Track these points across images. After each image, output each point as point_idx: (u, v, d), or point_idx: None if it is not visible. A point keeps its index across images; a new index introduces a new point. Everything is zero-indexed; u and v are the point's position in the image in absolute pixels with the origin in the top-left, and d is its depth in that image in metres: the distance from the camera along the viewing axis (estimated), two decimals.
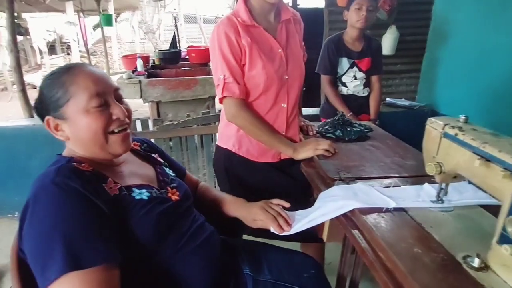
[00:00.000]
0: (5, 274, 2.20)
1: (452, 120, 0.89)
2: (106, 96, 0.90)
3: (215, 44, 1.37)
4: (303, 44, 1.58)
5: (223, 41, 1.34)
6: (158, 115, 3.42)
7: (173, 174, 1.14)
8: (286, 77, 1.45)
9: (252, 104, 1.44)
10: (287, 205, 1.16)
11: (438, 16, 3.09)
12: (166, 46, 8.47)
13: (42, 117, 0.91)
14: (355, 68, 2.28)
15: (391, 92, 3.38)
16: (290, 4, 3.39)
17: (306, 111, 2.80)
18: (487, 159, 0.73)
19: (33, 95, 3.47)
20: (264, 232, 1.13)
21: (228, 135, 1.52)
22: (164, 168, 1.14)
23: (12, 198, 2.76)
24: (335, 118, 1.62)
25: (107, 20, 7.85)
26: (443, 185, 0.96)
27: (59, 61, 11.18)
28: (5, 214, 2.82)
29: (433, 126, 0.92)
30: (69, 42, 11.27)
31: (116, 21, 11.42)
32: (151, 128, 2.66)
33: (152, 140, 1.41)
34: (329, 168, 1.25)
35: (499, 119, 2.43)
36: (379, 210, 0.97)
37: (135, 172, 1.01)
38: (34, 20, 11.72)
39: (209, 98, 3.48)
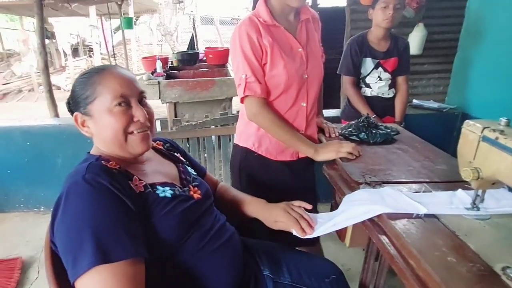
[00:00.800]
0: (32, 265, 2.29)
1: (491, 123, 0.85)
2: (130, 98, 0.94)
3: (237, 44, 1.37)
4: (321, 44, 1.58)
5: (244, 41, 1.35)
6: (176, 115, 3.46)
7: (195, 173, 1.15)
8: (306, 76, 1.45)
9: (273, 103, 1.45)
10: (309, 206, 1.14)
11: (472, 13, 2.94)
12: (183, 47, 8.61)
13: (72, 113, 0.97)
14: (380, 69, 2.22)
15: (418, 93, 3.26)
16: (310, 3, 3.36)
17: (326, 113, 2.74)
18: None
19: (57, 95, 3.61)
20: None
21: (248, 133, 1.53)
22: (186, 166, 1.16)
23: (39, 193, 2.88)
24: (359, 120, 1.57)
25: (128, 23, 8.06)
26: (479, 192, 0.92)
27: (82, 63, 11.69)
28: (32, 208, 2.94)
29: (471, 129, 0.88)
30: (91, 45, 11.70)
31: (135, 24, 11.66)
32: (170, 128, 2.68)
33: None
34: (353, 171, 1.21)
35: None
36: (408, 216, 0.93)
37: (158, 170, 1.03)
38: (59, 24, 12.13)
39: (226, 99, 3.51)
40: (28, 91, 9.43)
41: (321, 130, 1.63)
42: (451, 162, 1.26)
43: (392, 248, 0.88)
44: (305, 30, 1.47)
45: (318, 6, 3.46)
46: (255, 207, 1.21)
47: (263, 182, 1.54)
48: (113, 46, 9.67)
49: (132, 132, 0.94)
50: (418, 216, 0.93)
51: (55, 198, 0.83)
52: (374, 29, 2.20)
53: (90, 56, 12.31)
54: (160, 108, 5.00)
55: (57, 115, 3.22)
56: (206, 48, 4.90)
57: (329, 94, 3.33)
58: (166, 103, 3.48)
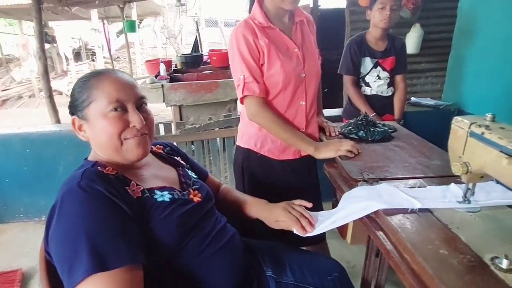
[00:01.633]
0: (33, 277, 2.22)
1: (478, 119, 0.87)
2: (126, 103, 0.92)
3: (234, 47, 1.41)
4: (318, 46, 1.60)
5: (241, 42, 1.38)
6: (181, 118, 3.46)
7: (195, 176, 1.15)
8: (303, 75, 1.47)
9: (272, 102, 1.47)
10: (309, 205, 1.15)
11: (464, 13, 3.01)
12: (188, 50, 8.50)
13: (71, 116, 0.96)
14: (378, 68, 2.25)
15: (416, 91, 3.32)
16: (311, 5, 3.38)
17: (328, 112, 2.78)
18: None
19: (59, 101, 3.51)
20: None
21: (250, 134, 1.55)
22: (187, 170, 1.15)
23: (39, 202, 2.80)
24: (358, 118, 1.60)
25: (131, 27, 8.01)
26: (470, 185, 0.94)
27: (84, 67, 11.41)
28: (32, 218, 2.86)
29: (459, 125, 0.91)
30: (94, 49, 11.51)
31: (138, 27, 11.62)
32: (174, 131, 2.68)
33: (175, 143, 1.44)
34: (352, 169, 1.24)
35: None
36: (404, 211, 0.95)
37: (157, 175, 1.02)
38: (60, 28, 11.98)
39: (230, 101, 3.49)
40: (29, 97, 9.22)
41: (321, 129, 1.65)
42: (445, 158, 1.25)
43: (388, 244, 0.90)
44: (300, 31, 1.50)
45: (319, 7, 3.48)
46: (256, 208, 1.21)
47: (266, 183, 1.55)
48: (112, 50, 9.55)
49: (128, 138, 0.92)
50: (413, 211, 0.95)
51: None
52: (372, 30, 2.24)
53: (93, 60, 12.12)
54: (166, 112, 4.95)
55: (58, 121, 3.16)
56: (210, 50, 4.83)
57: (332, 94, 3.38)
58: (171, 106, 3.45)
